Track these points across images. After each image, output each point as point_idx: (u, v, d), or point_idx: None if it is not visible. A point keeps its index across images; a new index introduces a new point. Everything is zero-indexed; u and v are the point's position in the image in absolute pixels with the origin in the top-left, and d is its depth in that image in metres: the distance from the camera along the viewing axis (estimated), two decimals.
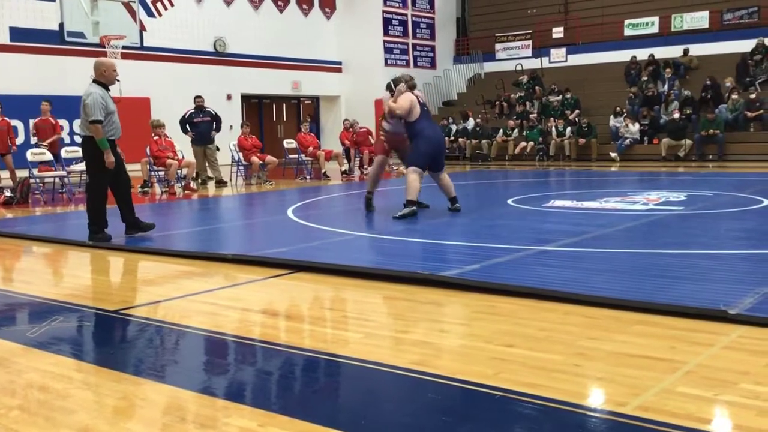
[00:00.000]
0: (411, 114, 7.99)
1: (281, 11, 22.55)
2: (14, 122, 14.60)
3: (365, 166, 16.60)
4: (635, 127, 18.17)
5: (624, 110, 18.86)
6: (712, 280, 4.49)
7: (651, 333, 3.53)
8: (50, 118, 13.54)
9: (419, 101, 8.11)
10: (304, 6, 23.25)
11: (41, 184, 12.61)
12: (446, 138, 21.04)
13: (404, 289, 4.66)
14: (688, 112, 17.86)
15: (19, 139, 15.16)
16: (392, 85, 8.37)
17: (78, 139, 15.08)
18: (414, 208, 8.02)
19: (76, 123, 16.46)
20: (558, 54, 23.74)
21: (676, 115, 17.68)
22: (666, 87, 19.53)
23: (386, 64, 24.08)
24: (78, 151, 13.49)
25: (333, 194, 11.63)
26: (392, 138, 8.57)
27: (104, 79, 7.06)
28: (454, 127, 21.39)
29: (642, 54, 21.27)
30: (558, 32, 23.84)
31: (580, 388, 2.89)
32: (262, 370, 3.30)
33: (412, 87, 8.25)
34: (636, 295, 4.07)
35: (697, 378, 2.92)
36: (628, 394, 2.75)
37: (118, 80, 7.34)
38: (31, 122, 15.30)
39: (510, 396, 2.77)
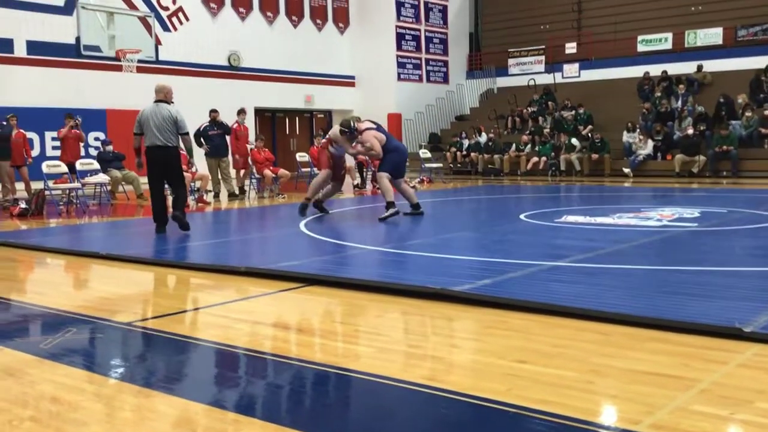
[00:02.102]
0: (380, 139, 9.37)
1: (295, 26, 22.71)
2: (30, 134, 14.74)
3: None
4: (649, 144, 18.11)
5: (637, 126, 18.82)
6: (726, 298, 4.45)
7: (665, 350, 3.50)
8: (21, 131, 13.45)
9: (376, 126, 9.54)
10: (318, 21, 23.40)
11: (63, 196, 12.72)
12: (458, 152, 21.12)
13: (416, 304, 4.65)
14: (701, 128, 17.79)
15: (35, 151, 15.31)
16: (347, 129, 9.50)
17: (93, 152, 15.33)
18: (396, 208, 9.02)
19: (92, 135, 16.72)
20: (571, 69, 23.77)
21: (690, 131, 17.61)
22: (679, 103, 19.48)
23: (399, 78, 24.19)
24: (93, 164, 13.69)
25: (345, 208, 11.64)
26: (335, 160, 9.97)
27: (168, 98, 8.42)
28: (466, 142, 21.41)
29: (655, 70, 21.25)
30: (571, 48, 23.89)
31: (593, 405, 2.87)
32: (273, 384, 3.30)
33: (350, 130, 9.47)
34: (650, 312, 4.04)
35: (712, 396, 2.89)
36: (641, 412, 2.72)
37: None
38: (48, 135, 15.50)
39: (522, 413, 2.75)
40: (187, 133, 8.44)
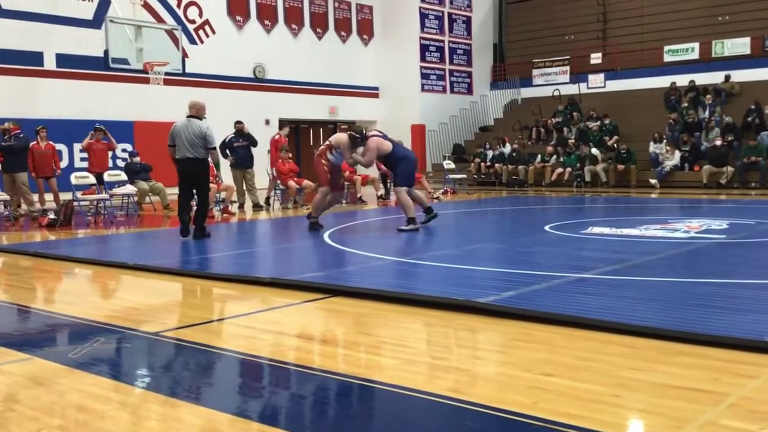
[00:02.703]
0: (384, 148, 9.29)
1: (320, 38, 22.87)
2: (59, 146, 14.95)
3: None
4: (676, 155, 17.94)
5: (664, 136, 18.65)
6: (756, 311, 4.38)
7: (693, 364, 3.46)
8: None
9: (380, 135, 9.53)
10: (343, 33, 23.54)
11: (91, 207, 12.90)
12: (482, 163, 21.06)
13: (440, 315, 4.64)
14: (729, 138, 17.58)
15: (63, 163, 15.54)
16: (358, 136, 9.36)
17: (120, 163, 15.54)
18: (417, 225, 9.03)
19: (119, 147, 16.95)
20: (596, 80, 23.66)
21: (718, 142, 17.41)
22: (707, 113, 19.28)
23: (423, 89, 24.23)
24: (121, 175, 13.87)
25: (369, 219, 11.66)
26: (333, 168, 9.55)
27: (200, 114, 8.96)
28: (490, 153, 21.35)
29: (682, 80, 21.08)
30: (596, 58, 23.78)
31: (621, 419, 2.84)
32: (297, 394, 3.30)
33: (361, 137, 9.33)
34: (678, 325, 3.99)
35: (742, 411, 2.84)
36: (670, 427, 2.69)
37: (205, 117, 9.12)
38: (76, 146, 15.73)
39: (549, 426, 2.73)
40: (215, 148, 9.03)
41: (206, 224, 9.10)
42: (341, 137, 9.59)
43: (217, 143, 9.61)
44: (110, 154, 14.88)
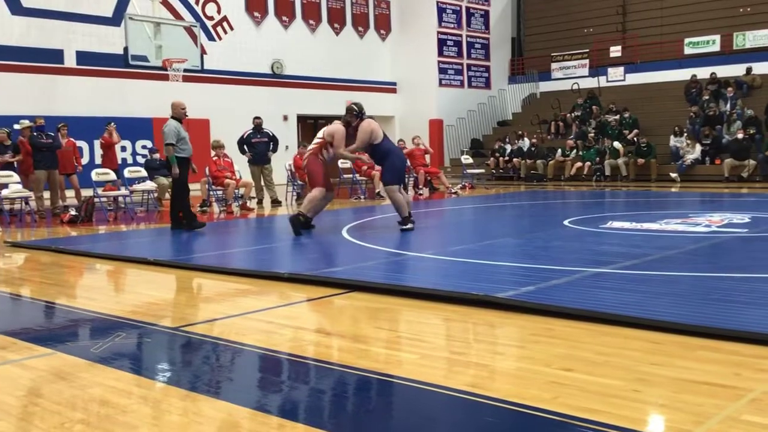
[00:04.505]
0: (377, 135, 8.64)
1: (337, 33, 22.88)
2: (79, 143, 15.10)
3: (420, 186, 16.61)
4: (697, 148, 17.76)
5: (684, 130, 18.47)
6: None
7: (714, 359, 3.43)
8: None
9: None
10: (360, 28, 23.53)
11: (110, 202, 13.03)
12: (500, 158, 20.98)
13: (459, 310, 4.63)
14: (751, 131, 17.38)
15: (84, 159, 15.69)
16: (357, 110, 8.79)
17: (140, 159, 15.68)
18: (411, 224, 8.59)
19: (139, 144, 17.12)
20: (616, 73, 23.46)
21: (740, 135, 17.22)
22: (728, 106, 19.07)
23: (440, 84, 24.16)
24: (141, 171, 14.01)
25: (387, 214, 11.65)
26: (326, 165, 9.05)
27: (177, 114, 9.66)
28: (508, 147, 21.26)
29: (703, 73, 20.83)
30: (616, 51, 23.57)
31: (641, 414, 2.82)
32: (316, 389, 3.32)
33: (359, 112, 8.77)
34: (699, 320, 3.96)
35: (764, 406, 2.82)
36: (690, 422, 2.67)
37: (186, 115, 9.82)
38: (96, 143, 15.89)
39: (568, 421, 2.72)
40: (168, 145, 9.51)
41: (179, 216, 9.70)
42: (336, 129, 8.81)
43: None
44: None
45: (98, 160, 16.45)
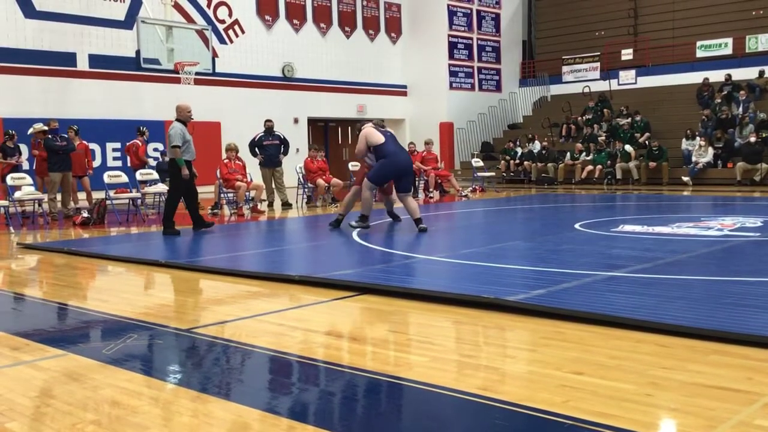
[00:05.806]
0: (373, 140, 9.02)
1: (348, 37, 22.91)
2: (92, 146, 15.19)
3: (430, 189, 16.61)
4: (710, 152, 17.67)
5: (696, 133, 18.38)
6: None
7: (727, 363, 3.41)
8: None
9: (380, 129, 9.16)
10: (371, 31, 23.56)
11: (128, 205, 13.14)
12: (511, 161, 20.92)
13: (469, 313, 4.63)
14: (764, 135, 17.28)
15: (96, 162, 15.78)
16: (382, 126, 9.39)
17: (152, 162, 15.77)
18: (367, 223, 9.16)
19: (151, 146, 17.20)
20: (627, 76, 23.37)
21: (752, 139, 17.12)
22: (740, 109, 18.96)
23: (451, 87, 24.15)
24: (152, 173, 14.08)
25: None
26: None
27: (183, 117, 9.75)
28: (519, 150, 21.22)
29: (715, 76, 20.73)
30: (627, 54, 23.49)
31: (653, 418, 2.81)
32: (326, 391, 3.32)
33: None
34: (711, 324, 3.94)
35: None
36: (702, 426, 2.65)
37: (191, 118, 9.96)
38: (108, 146, 16.00)
39: (579, 425, 2.71)
40: (173, 146, 9.58)
41: (174, 221, 9.67)
42: (370, 130, 9.24)
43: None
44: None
45: (111, 163, 16.58)
